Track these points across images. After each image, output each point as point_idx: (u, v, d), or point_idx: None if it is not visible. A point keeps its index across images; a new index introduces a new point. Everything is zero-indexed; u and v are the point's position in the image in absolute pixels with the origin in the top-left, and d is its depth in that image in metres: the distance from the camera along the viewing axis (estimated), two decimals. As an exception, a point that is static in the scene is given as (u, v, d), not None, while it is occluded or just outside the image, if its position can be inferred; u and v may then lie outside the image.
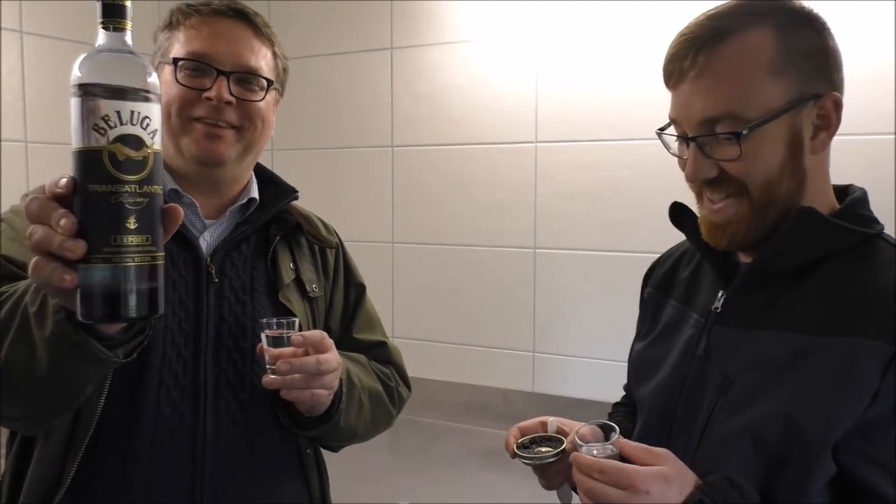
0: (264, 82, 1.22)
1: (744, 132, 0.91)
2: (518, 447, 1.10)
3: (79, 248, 0.75)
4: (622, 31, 2.86)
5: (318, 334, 1.14)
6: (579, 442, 0.94)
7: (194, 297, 1.18)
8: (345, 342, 1.33)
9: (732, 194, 0.96)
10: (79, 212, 0.78)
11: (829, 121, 0.94)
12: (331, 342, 1.15)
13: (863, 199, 0.99)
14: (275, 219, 1.29)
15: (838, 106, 0.94)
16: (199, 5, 1.20)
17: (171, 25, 1.20)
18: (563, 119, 2.99)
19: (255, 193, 1.28)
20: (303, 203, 1.40)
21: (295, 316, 1.19)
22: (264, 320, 1.14)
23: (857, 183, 1.04)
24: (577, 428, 0.97)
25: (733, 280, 1.01)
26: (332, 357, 1.14)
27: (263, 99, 1.22)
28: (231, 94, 1.17)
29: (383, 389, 1.34)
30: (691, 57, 0.94)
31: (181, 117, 1.17)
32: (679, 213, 1.08)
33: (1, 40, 2.73)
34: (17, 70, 2.78)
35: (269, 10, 3.51)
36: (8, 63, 2.76)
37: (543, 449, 1.09)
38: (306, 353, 1.11)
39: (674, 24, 1.00)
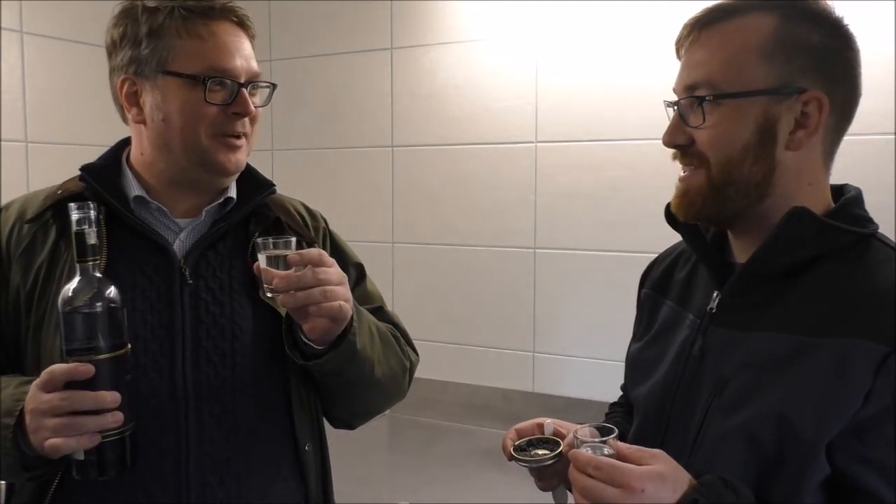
0: (266, 89, 1.22)
1: (707, 98, 0.93)
2: (515, 450, 1.10)
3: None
4: (622, 31, 2.86)
5: (315, 251, 1.11)
6: (577, 439, 0.95)
7: (167, 301, 1.16)
8: None
9: (696, 166, 0.98)
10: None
11: (809, 119, 0.94)
12: (331, 260, 1.12)
13: (857, 198, 0.99)
14: (254, 214, 1.27)
15: (822, 106, 0.94)
16: (195, 8, 1.15)
17: (162, 31, 1.14)
18: (563, 119, 2.99)
19: (232, 192, 1.26)
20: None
21: (291, 237, 1.14)
22: (260, 240, 1.11)
23: (858, 183, 1.03)
24: (575, 429, 0.97)
25: (728, 281, 1.01)
26: (333, 271, 1.10)
27: (268, 103, 1.22)
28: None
29: (390, 335, 1.30)
30: (695, 30, 0.97)
31: (207, 135, 1.16)
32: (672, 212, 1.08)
33: (1, 40, 2.73)
34: (17, 70, 2.78)
35: (269, 10, 3.51)
36: (8, 63, 2.76)
37: (540, 451, 1.09)
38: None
39: (674, 25, 1.01)
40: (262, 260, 1.10)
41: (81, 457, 0.99)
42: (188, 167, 1.18)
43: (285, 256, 1.09)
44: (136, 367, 1.12)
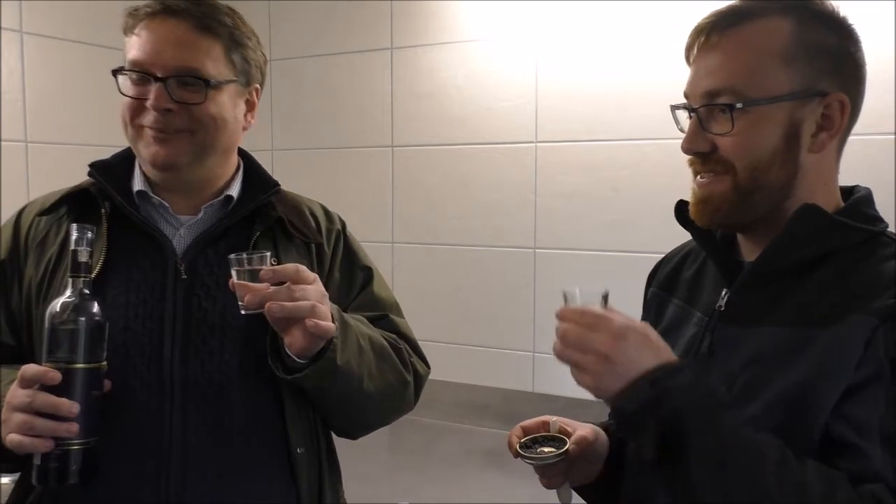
0: (199, 83, 1.17)
1: (737, 105, 0.93)
2: (521, 447, 1.10)
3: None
4: (622, 31, 2.86)
5: (291, 267, 1.10)
6: (567, 295, 0.95)
7: (160, 296, 1.17)
8: None
9: (719, 172, 0.97)
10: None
11: (832, 121, 0.95)
12: (312, 275, 1.11)
13: (867, 198, 1.00)
14: (257, 214, 1.27)
15: (844, 108, 0.94)
16: (143, 8, 1.19)
17: (125, 31, 1.21)
18: (563, 119, 2.99)
19: (233, 190, 1.27)
20: (303, 203, 1.39)
21: (265, 253, 1.14)
22: (233, 255, 1.10)
23: (858, 183, 1.04)
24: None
25: (737, 278, 1.01)
26: (312, 288, 1.10)
27: (206, 100, 1.17)
28: (173, 99, 1.16)
29: (390, 347, 1.29)
30: (709, 34, 0.97)
31: (132, 126, 1.19)
32: (684, 211, 1.08)
33: (1, 40, 2.73)
34: (17, 70, 2.78)
35: (269, 10, 3.51)
36: (8, 63, 2.76)
37: (546, 449, 1.09)
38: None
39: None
40: (234, 275, 1.10)
41: (39, 461, 1.03)
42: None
43: (258, 271, 1.08)
44: (125, 358, 1.14)
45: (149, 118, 1.17)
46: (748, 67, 0.94)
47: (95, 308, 1.07)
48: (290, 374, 1.15)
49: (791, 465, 0.82)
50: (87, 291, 1.06)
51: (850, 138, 1.01)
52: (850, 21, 0.97)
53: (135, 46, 1.18)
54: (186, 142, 1.18)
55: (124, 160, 1.27)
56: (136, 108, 1.17)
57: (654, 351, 0.88)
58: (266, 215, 1.26)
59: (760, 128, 0.94)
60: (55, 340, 1.04)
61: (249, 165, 1.32)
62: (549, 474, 1.12)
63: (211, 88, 1.18)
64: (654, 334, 0.90)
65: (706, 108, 0.96)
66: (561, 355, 0.91)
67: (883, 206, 1.02)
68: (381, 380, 1.24)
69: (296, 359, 1.14)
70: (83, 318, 1.05)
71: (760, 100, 0.93)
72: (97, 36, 2.92)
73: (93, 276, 1.10)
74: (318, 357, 1.13)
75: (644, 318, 1.21)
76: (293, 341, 1.11)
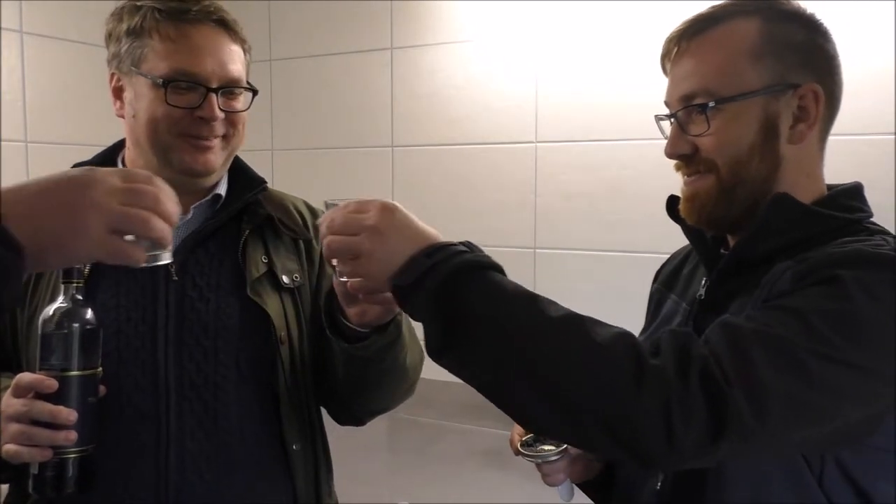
0: (249, 93, 1.23)
1: (710, 104, 0.95)
2: (522, 445, 1.12)
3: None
4: (622, 31, 2.86)
5: None
6: (327, 203, 0.94)
7: (151, 297, 1.18)
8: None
9: (703, 171, 1.00)
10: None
11: (808, 112, 0.97)
12: None
13: (851, 190, 1.01)
14: (246, 212, 1.28)
15: (818, 98, 0.97)
16: (170, 10, 1.17)
17: (138, 31, 1.18)
18: (563, 119, 2.99)
19: (221, 189, 1.27)
20: (303, 203, 1.40)
21: None
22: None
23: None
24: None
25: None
26: None
27: (248, 108, 1.23)
28: (220, 108, 1.18)
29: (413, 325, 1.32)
30: (679, 41, 1.00)
31: (170, 134, 1.18)
32: (675, 206, 1.11)
33: (1, 40, 2.73)
34: (17, 70, 2.78)
35: (269, 10, 3.51)
36: (8, 63, 2.76)
37: (547, 447, 1.11)
38: None
39: (674, 25, 1.02)
40: None
41: (36, 470, 1.03)
42: (159, 166, 1.20)
43: None
44: (119, 361, 1.13)
45: (195, 127, 1.17)
46: (719, 68, 0.97)
47: (89, 314, 1.06)
48: (350, 343, 1.17)
49: (565, 308, 0.90)
50: (79, 297, 1.06)
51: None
52: (818, 17, 1.00)
53: (175, 53, 1.16)
54: (220, 147, 1.22)
55: (106, 160, 1.27)
56: (180, 117, 1.16)
57: (423, 230, 0.91)
58: (255, 213, 1.27)
59: (736, 124, 0.97)
60: (49, 347, 1.03)
61: (235, 164, 1.33)
62: (551, 471, 1.14)
63: (250, 95, 1.24)
64: (421, 223, 0.92)
65: (684, 112, 1.00)
66: (330, 246, 0.91)
67: (883, 207, 1.03)
68: (413, 353, 1.26)
69: (357, 329, 1.15)
70: (77, 325, 1.04)
71: (732, 97, 0.95)
72: (97, 36, 2.91)
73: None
74: (384, 327, 1.15)
75: (647, 313, 1.23)
76: (367, 311, 1.11)
